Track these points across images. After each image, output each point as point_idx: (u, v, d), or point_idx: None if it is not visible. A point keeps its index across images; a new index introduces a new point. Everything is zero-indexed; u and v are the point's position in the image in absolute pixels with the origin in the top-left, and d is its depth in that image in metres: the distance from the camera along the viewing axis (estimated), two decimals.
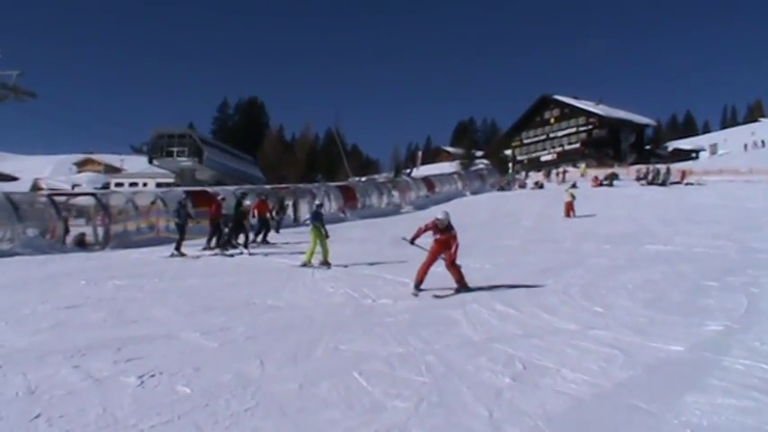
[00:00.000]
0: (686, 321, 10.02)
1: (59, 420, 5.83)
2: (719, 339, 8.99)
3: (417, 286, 12.90)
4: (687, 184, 54.63)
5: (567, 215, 32.74)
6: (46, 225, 25.05)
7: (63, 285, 14.08)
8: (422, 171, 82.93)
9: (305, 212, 35.06)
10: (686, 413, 6.00)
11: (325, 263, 17.03)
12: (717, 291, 12.71)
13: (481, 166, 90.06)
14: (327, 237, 17.46)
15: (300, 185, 43.74)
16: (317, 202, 22.17)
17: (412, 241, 13.43)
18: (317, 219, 17.85)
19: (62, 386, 6.85)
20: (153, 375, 7.24)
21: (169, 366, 7.61)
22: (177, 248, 20.30)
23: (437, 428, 5.65)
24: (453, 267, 12.98)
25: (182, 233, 20.83)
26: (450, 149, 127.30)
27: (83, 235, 25.28)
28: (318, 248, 17.22)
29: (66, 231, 25.28)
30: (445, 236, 13.01)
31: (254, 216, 24.28)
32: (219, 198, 23.78)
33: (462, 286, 12.95)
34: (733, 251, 19.18)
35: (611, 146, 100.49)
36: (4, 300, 12.31)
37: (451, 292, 12.78)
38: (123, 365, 7.69)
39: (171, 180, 74.96)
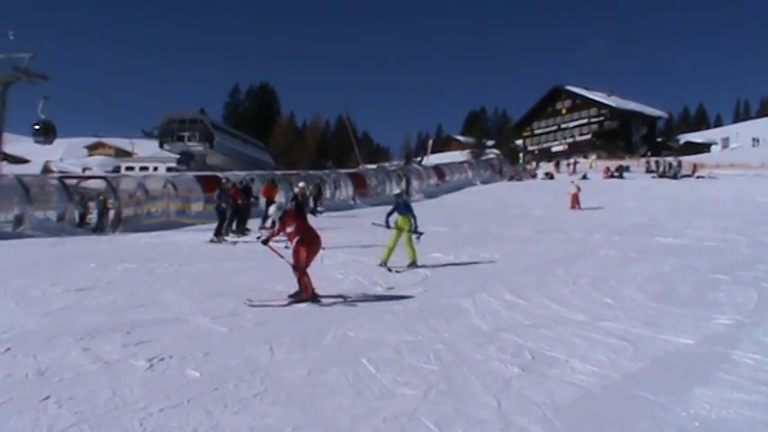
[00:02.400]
0: (696, 314, 10.00)
1: (69, 402, 5.86)
2: (729, 333, 8.97)
3: (313, 297, 10.72)
4: (698, 177, 54.40)
5: (573, 207, 32.62)
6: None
7: (73, 268, 14.14)
8: (432, 159, 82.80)
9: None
10: (695, 406, 5.99)
11: (413, 264, 14.38)
12: (727, 284, 12.68)
13: (492, 155, 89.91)
14: (418, 234, 14.69)
15: (311, 172, 43.88)
16: (395, 190, 19.06)
17: (265, 242, 11.34)
18: (401, 210, 14.97)
19: (72, 368, 6.89)
20: (162, 359, 7.28)
21: (179, 350, 7.65)
22: (217, 234, 20.15)
23: (445, 417, 5.65)
24: (296, 270, 10.85)
25: (222, 218, 20.57)
26: (460, 138, 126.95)
27: (121, 213, 25.59)
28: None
29: (104, 212, 25.62)
30: (288, 232, 11.00)
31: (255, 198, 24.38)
32: (238, 183, 24.11)
33: (306, 296, 10.72)
34: (744, 245, 19.14)
35: (623, 137, 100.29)
36: (15, 281, 12.36)
37: (285, 301, 10.75)
38: (133, 349, 7.73)
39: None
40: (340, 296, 11.39)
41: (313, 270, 13.94)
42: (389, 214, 14.83)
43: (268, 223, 22.07)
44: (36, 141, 37.72)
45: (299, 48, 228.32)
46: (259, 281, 12.61)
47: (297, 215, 11.76)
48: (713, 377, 6.92)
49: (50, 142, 38.91)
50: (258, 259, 15.75)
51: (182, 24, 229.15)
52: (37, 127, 36.16)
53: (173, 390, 6.24)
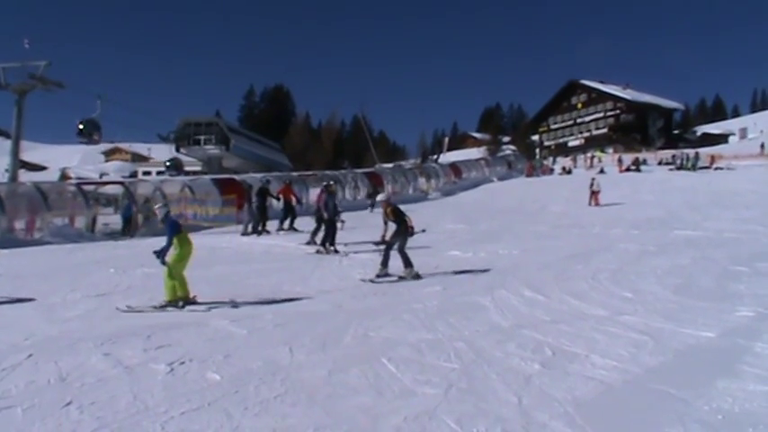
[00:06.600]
0: (717, 307, 9.91)
1: (91, 407, 5.89)
2: (751, 325, 8.88)
3: None
4: (716, 168, 53.82)
5: (590, 204, 32.20)
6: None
7: (92, 273, 14.24)
8: (449, 157, 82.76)
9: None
10: (718, 400, 5.93)
11: (170, 303, 10.68)
12: (747, 276, 12.57)
13: (508, 151, 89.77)
14: (162, 260, 10.96)
15: (327, 172, 43.97)
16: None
17: None
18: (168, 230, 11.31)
19: (93, 374, 6.93)
20: (183, 362, 7.30)
21: (199, 353, 7.67)
22: (332, 244, 17.31)
23: (467, 415, 5.63)
24: None
25: (331, 227, 17.48)
26: (476, 135, 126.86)
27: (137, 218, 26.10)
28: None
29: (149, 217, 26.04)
30: None
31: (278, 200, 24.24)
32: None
33: None
34: (764, 236, 18.98)
35: (639, 130, 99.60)
36: (35, 288, 12.43)
37: None
38: (153, 353, 7.76)
39: (198, 168, 75.34)
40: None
41: (332, 270, 14.02)
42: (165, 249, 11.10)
43: (286, 225, 22.23)
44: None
45: (313, 48, 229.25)
46: (277, 282, 12.64)
47: None
48: (736, 370, 6.84)
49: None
50: (275, 261, 15.83)
51: (195, 28, 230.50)
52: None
53: (193, 393, 6.26)
